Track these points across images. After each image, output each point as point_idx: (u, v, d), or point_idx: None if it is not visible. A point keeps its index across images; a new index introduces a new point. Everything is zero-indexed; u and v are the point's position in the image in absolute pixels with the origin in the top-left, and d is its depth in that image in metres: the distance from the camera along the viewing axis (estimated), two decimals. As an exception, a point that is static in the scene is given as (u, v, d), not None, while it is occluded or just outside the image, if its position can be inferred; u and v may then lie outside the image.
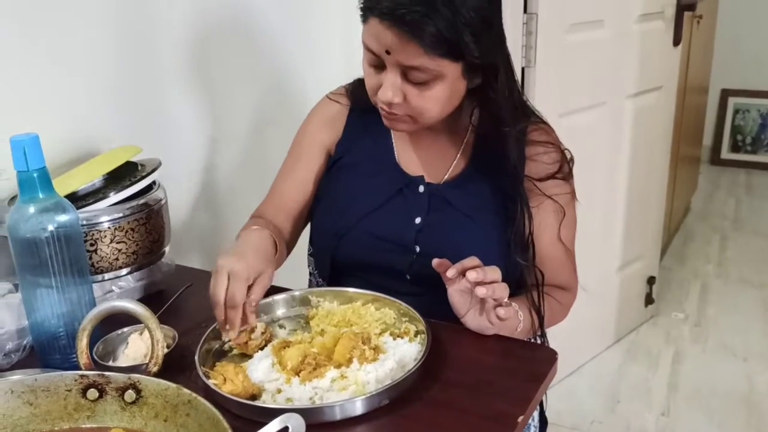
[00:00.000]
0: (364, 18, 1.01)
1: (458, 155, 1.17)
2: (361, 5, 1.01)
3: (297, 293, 1.11)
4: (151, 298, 1.19)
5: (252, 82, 1.60)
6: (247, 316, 0.96)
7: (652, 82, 2.41)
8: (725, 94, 4.61)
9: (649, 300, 2.76)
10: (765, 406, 2.25)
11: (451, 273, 0.97)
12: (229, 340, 0.99)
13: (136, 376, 0.73)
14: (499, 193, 1.13)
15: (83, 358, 0.76)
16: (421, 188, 1.16)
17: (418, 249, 1.14)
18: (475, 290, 0.94)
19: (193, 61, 1.45)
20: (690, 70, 3.03)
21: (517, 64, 1.95)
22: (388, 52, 0.99)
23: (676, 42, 2.46)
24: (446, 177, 1.17)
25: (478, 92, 1.08)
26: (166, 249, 1.19)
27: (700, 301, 2.95)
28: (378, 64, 1.03)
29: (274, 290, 1.14)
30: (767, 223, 3.75)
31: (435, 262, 1.00)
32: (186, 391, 0.70)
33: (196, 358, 0.93)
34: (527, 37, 1.95)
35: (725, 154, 4.71)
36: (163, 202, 1.15)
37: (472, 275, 0.94)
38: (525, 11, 1.94)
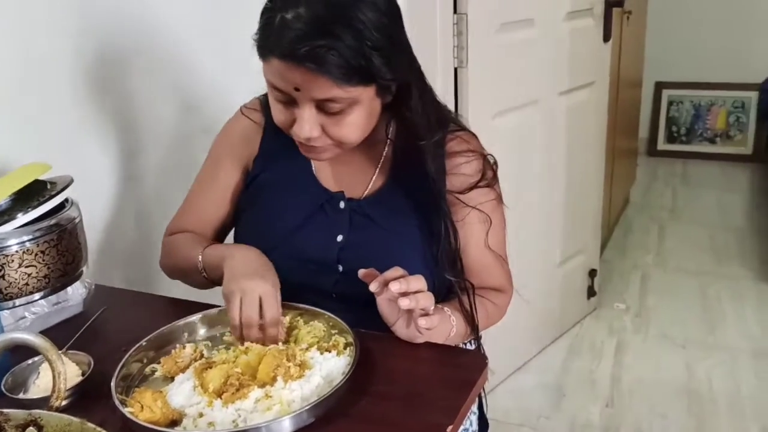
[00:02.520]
0: (263, 56, 0.96)
1: (377, 170, 1.15)
2: (257, 45, 0.96)
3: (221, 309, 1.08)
4: (69, 322, 1.14)
5: (172, 92, 1.55)
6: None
7: (583, 78, 2.43)
8: (659, 86, 4.73)
9: (591, 293, 2.80)
10: (704, 392, 2.30)
11: (373, 287, 0.95)
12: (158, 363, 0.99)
13: (37, 412, 0.69)
14: (421, 207, 1.10)
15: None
16: (342, 204, 1.14)
17: (341, 268, 1.11)
18: (399, 302, 0.92)
19: (108, 73, 1.39)
20: (622, 64, 3.08)
21: (449, 65, 1.96)
22: (297, 89, 0.95)
23: (606, 38, 2.50)
24: (366, 192, 1.14)
25: (392, 107, 1.05)
26: (84, 269, 1.13)
27: (641, 292, 3.01)
28: (287, 100, 0.99)
29: (201, 306, 1.11)
30: (703, 212, 3.85)
31: (361, 272, 0.99)
32: (90, 425, 0.66)
33: (112, 385, 0.89)
34: (458, 38, 1.94)
35: (661, 145, 4.82)
36: (77, 220, 1.10)
37: (395, 286, 0.92)
38: (455, 11, 1.93)
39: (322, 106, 0.97)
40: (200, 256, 1.11)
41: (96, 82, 1.37)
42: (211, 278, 1.12)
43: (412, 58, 1.04)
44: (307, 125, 0.97)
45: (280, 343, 0.99)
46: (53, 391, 0.72)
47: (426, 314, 0.96)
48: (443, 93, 1.96)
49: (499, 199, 1.17)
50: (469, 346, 1.24)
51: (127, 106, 1.45)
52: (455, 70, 1.98)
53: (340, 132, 1.00)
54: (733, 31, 4.45)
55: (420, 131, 1.05)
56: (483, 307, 1.15)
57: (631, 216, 3.83)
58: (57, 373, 0.71)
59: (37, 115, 1.27)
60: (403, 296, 0.92)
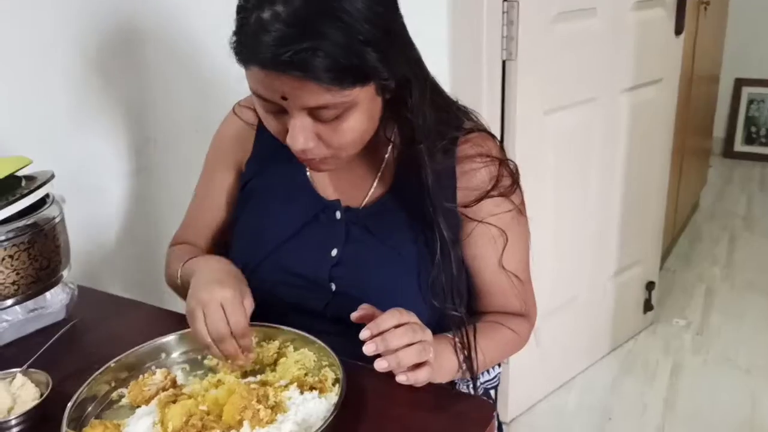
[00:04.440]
0: (242, 63, 0.82)
1: (378, 176, 1.01)
2: (234, 51, 0.82)
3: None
4: (48, 330, 1.05)
5: (171, 84, 1.43)
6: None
7: (651, 75, 2.22)
8: (739, 83, 4.39)
9: (648, 307, 2.59)
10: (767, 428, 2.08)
11: (363, 335, 0.82)
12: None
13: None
14: (424, 218, 0.96)
15: None
16: (338, 214, 1.01)
17: (333, 287, 0.99)
18: (375, 364, 0.81)
19: (100, 62, 1.30)
20: (697, 59, 2.83)
21: (496, 57, 1.79)
22: (284, 98, 0.82)
23: (678, 31, 2.27)
24: (365, 201, 1.01)
25: (392, 105, 0.91)
26: (64, 273, 1.04)
27: (705, 308, 2.77)
28: (276, 110, 0.85)
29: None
30: (778, 223, 3.55)
31: (354, 316, 0.87)
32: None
33: (65, 416, 0.79)
34: (508, 27, 1.77)
35: (739, 146, 4.49)
36: (56, 220, 1.01)
37: (368, 348, 0.80)
38: (505, -2, 1.76)
39: (315, 113, 0.83)
40: (179, 271, 1.00)
41: (99, 68, 1.28)
42: None
43: (411, 48, 0.90)
44: (300, 136, 0.84)
45: (257, 375, 0.87)
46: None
47: (413, 367, 0.83)
48: (489, 88, 1.81)
49: (520, 211, 1.01)
50: (491, 372, 1.10)
51: (134, 94, 1.36)
52: (503, 62, 1.81)
53: (339, 140, 0.86)
54: (824, 25, 4.08)
55: (420, 134, 0.91)
56: (501, 336, 1.01)
57: (700, 223, 3.56)
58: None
59: (35, 106, 1.19)
60: (379, 359, 0.81)
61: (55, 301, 1.04)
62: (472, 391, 1.04)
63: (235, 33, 0.82)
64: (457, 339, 0.93)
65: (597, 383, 2.33)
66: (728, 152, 4.49)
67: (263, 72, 0.79)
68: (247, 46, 0.79)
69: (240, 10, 0.81)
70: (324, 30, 0.76)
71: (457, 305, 0.94)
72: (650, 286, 2.56)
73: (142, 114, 1.38)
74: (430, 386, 0.87)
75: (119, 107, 1.34)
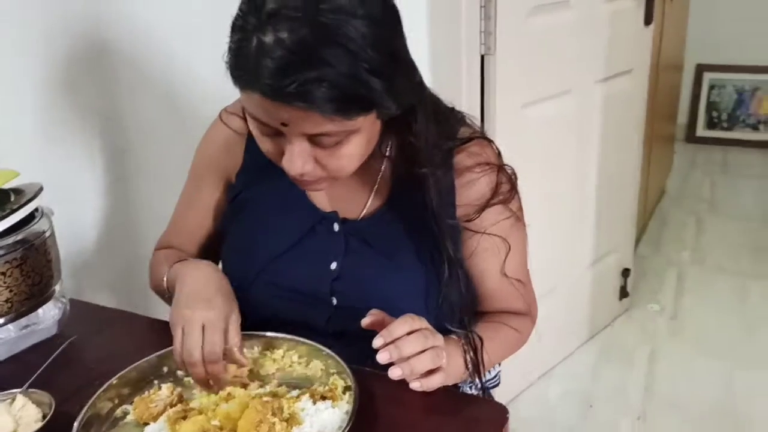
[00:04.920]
0: (239, 87, 0.79)
1: (375, 188, 1.00)
2: (231, 74, 0.78)
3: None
4: (41, 347, 1.02)
5: (150, 88, 1.40)
6: (237, 359, 0.88)
7: (622, 65, 2.24)
8: (700, 69, 4.47)
9: (623, 293, 2.63)
10: (743, 409, 2.13)
11: (376, 343, 0.81)
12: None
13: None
14: (424, 233, 0.95)
15: None
16: (336, 226, 0.99)
17: (335, 301, 0.97)
18: (389, 373, 0.80)
19: (85, 68, 1.26)
20: (663, 48, 2.87)
21: (474, 53, 1.79)
22: (284, 125, 0.79)
23: (648, 21, 2.30)
24: (364, 213, 1.00)
25: (392, 125, 0.89)
26: (56, 288, 1.01)
27: (677, 292, 2.83)
28: (273, 133, 0.82)
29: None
30: (743, 205, 3.63)
31: (365, 322, 0.86)
32: None
33: (72, 437, 0.77)
34: (485, 23, 1.77)
35: (701, 131, 4.58)
36: (47, 234, 0.98)
37: (382, 357, 0.80)
38: (483, -7, 1.76)
39: (314, 139, 0.81)
40: (165, 276, 0.98)
41: (67, 79, 1.24)
42: None
43: (414, 72, 0.87)
44: (298, 161, 0.82)
45: (265, 387, 0.86)
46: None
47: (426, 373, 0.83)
48: (468, 83, 1.81)
49: (518, 216, 1.01)
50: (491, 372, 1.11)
51: (107, 104, 1.32)
52: (482, 57, 1.81)
53: (337, 164, 0.84)
54: (781, 11, 4.18)
55: (423, 158, 0.89)
56: (505, 336, 1.02)
57: (667, 208, 3.63)
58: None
59: (4, 115, 1.15)
60: (393, 367, 0.80)
61: (47, 316, 1.02)
62: (474, 393, 1.04)
63: (233, 54, 0.77)
64: (462, 341, 0.93)
65: (577, 371, 2.37)
66: (691, 137, 4.58)
67: (265, 100, 0.75)
68: (247, 71, 0.75)
69: (237, 29, 0.77)
70: (329, 59, 0.72)
71: (465, 323, 0.94)
72: (626, 273, 2.61)
73: (114, 125, 1.34)
74: (441, 390, 0.87)
75: (90, 118, 1.31)
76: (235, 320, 0.88)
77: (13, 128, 1.17)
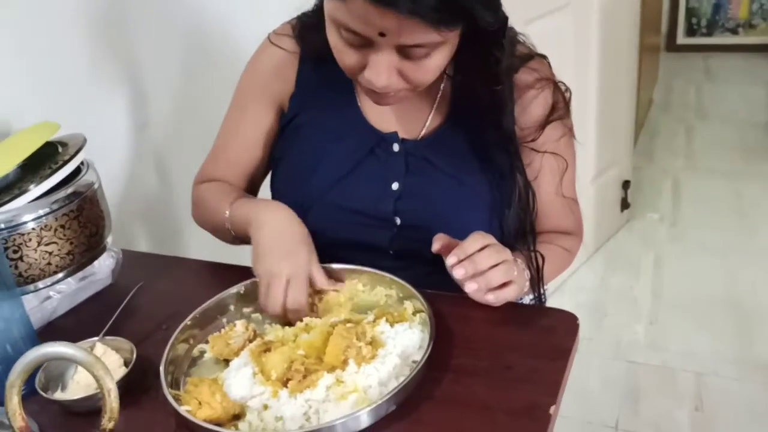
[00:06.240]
0: None
1: (435, 107, 0.99)
2: None
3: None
4: (98, 297, 1.02)
5: (174, 28, 1.37)
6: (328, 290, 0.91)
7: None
8: (679, -24, 4.45)
9: (625, 205, 2.68)
10: (748, 303, 2.22)
11: (450, 261, 0.84)
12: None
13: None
14: (487, 150, 0.95)
15: (17, 420, 0.61)
16: (396, 147, 0.98)
17: (398, 221, 0.98)
18: (465, 288, 0.83)
19: (104, 16, 1.22)
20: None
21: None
22: (382, 34, 0.77)
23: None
24: (423, 132, 0.99)
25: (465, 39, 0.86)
26: (109, 240, 1.01)
27: (674, 199, 2.89)
28: (361, 44, 0.80)
29: (240, 271, 0.99)
30: (729, 109, 3.68)
31: (434, 248, 0.88)
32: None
33: (162, 381, 0.78)
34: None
35: (681, 39, 4.58)
36: (96, 185, 0.97)
37: (459, 272, 0.82)
38: None
39: (405, 50, 0.79)
40: (227, 212, 0.98)
41: (96, 24, 1.20)
42: (239, 237, 0.99)
43: None
44: (384, 73, 0.81)
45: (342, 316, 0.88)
46: (104, 412, 0.61)
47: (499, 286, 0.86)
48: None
49: (571, 132, 1.02)
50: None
51: (131, 49, 1.29)
52: (484, -25, 1.78)
53: (421, 77, 0.83)
54: None
55: (496, 76, 0.89)
56: (555, 254, 1.04)
57: (656, 118, 3.67)
58: (107, 391, 0.60)
59: (37, 66, 1.12)
60: (467, 281, 0.83)
61: (103, 266, 1.02)
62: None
63: None
64: (522, 257, 0.95)
65: (586, 284, 2.43)
66: (671, 46, 4.58)
67: (370, 6, 0.73)
68: None
69: None
70: None
71: (529, 243, 0.96)
72: (626, 185, 2.65)
73: (137, 72, 1.31)
74: (506, 305, 0.89)
75: (117, 64, 1.27)
76: (316, 265, 0.90)
77: (49, 80, 1.14)
